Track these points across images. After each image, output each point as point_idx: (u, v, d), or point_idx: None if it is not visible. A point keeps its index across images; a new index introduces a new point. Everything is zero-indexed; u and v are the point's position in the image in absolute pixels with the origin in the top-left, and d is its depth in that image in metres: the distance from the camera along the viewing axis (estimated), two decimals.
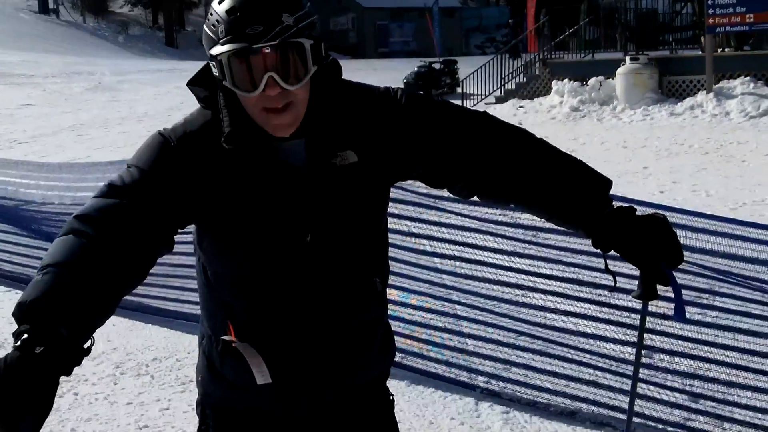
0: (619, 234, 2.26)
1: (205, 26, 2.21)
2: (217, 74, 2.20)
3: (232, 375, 2.42)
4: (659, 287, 2.31)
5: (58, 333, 1.90)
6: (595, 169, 2.40)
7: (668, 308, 2.47)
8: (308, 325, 2.36)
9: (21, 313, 1.92)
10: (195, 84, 2.34)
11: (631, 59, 21.79)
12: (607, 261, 2.41)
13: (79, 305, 1.96)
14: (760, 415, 4.56)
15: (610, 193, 2.38)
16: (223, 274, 2.38)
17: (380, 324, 2.56)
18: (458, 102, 23.67)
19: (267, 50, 2.10)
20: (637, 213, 2.29)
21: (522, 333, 5.39)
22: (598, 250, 2.34)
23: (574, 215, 2.35)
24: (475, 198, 2.50)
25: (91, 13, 67.73)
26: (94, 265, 2.04)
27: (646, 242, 2.24)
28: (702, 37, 22.12)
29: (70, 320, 1.93)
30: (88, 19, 67.10)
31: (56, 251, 2.05)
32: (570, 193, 2.33)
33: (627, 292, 2.79)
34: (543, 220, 2.50)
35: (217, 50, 2.15)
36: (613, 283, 2.46)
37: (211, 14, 2.17)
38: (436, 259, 5.67)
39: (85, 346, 1.97)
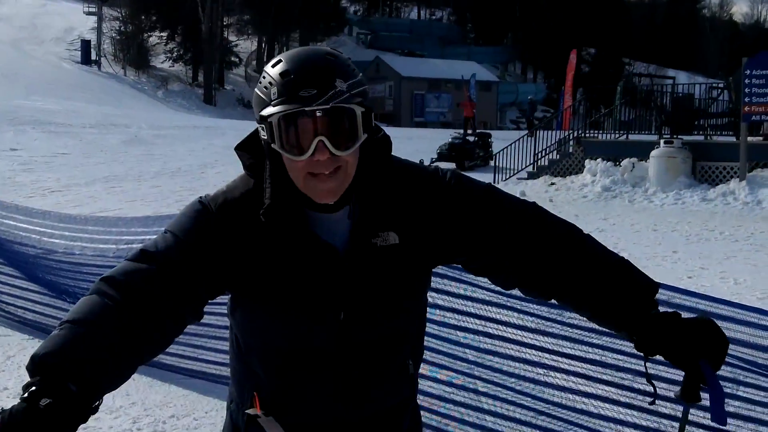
0: (665, 338, 2.21)
1: (256, 89, 2.19)
2: (265, 137, 2.16)
3: None
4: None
5: (67, 388, 1.89)
6: (643, 272, 2.35)
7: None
8: (335, 403, 2.33)
9: (33, 365, 1.92)
10: (242, 149, 2.31)
11: (665, 142, 21.81)
12: (647, 367, 2.36)
13: (91, 364, 1.95)
14: None
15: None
16: (254, 344, 2.35)
17: (409, 405, 2.53)
18: (491, 176, 23.74)
19: (319, 113, 2.07)
20: (683, 317, 2.24)
21: (542, 413, 5.32)
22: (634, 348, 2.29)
23: (618, 317, 2.29)
24: (516, 291, 2.45)
25: (133, 67, 68.92)
26: (114, 327, 2.03)
27: (692, 344, 2.19)
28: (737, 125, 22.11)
29: (80, 377, 1.92)
30: (129, 73, 68.23)
31: (78, 309, 2.05)
32: (616, 295, 2.28)
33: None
34: (585, 318, 2.45)
35: (268, 111, 2.12)
36: (652, 390, 2.39)
37: (264, 77, 2.16)
38: (459, 333, 5.63)
39: (93, 405, 1.96)
